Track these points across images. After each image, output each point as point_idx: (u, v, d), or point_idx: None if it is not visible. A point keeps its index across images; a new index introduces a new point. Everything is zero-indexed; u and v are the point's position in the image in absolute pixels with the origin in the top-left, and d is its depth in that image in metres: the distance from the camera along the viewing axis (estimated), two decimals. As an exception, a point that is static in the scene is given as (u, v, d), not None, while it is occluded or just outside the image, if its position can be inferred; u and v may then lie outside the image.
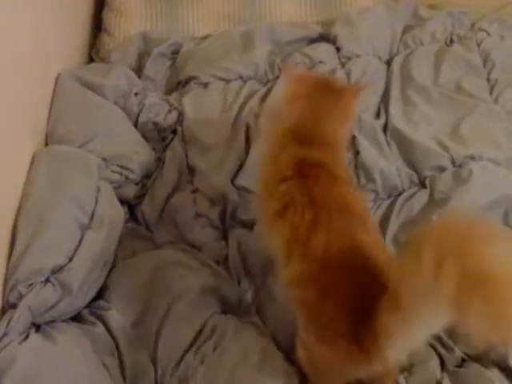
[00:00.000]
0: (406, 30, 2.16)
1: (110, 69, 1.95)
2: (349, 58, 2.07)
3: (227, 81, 1.98)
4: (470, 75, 1.96)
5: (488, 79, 1.96)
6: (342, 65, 2.06)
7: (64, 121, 1.74)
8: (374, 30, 2.13)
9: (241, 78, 2.00)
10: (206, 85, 1.97)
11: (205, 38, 2.14)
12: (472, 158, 1.71)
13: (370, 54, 2.08)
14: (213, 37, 2.13)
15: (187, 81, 1.99)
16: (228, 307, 1.48)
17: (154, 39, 2.12)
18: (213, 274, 1.52)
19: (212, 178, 1.72)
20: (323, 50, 2.09)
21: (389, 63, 2.08)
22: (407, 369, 1.33)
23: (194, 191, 1.72)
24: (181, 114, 1.88)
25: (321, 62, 2.03)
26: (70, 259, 1.42)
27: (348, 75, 2.00)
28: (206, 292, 1.46)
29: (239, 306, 1.49)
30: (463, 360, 1.34)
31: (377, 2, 2.28)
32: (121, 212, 1.63)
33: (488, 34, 2.10)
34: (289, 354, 1.35)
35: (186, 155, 1.80)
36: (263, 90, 1.96)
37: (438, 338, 1.36)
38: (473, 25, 2.17)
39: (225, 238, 1.65)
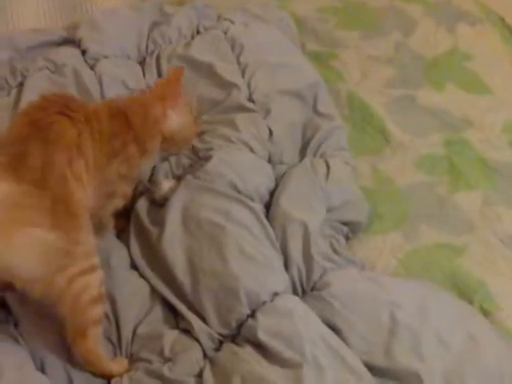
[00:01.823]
0: (153, 27, 2.13)
1: None
2: (97, 60, 1.99)
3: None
4: (220, 61, 1.96)
5: (238, 63, 1.96)
6: (91, 67, 1.97)
7: None
8: (119, 30, 2.08)
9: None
10: None
11: None
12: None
13: (119, 55, 2.03)
14: None
15: None
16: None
17: None
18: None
19: None
20: (68, 54, 2.00)
21: (142, 63, 2.04)
22: (170, 359, 1.30)
23: None
24: None
25: (64, 65, 1.94)
26: None
27: (100, 77, 1.92)
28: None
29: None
30: (221, 342, 1.32)
31: (123, 4, 2.22)
32: None
33: (232, 22, 2.12)
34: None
35: None
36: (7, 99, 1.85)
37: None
38: (219, 16, 2.19)
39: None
